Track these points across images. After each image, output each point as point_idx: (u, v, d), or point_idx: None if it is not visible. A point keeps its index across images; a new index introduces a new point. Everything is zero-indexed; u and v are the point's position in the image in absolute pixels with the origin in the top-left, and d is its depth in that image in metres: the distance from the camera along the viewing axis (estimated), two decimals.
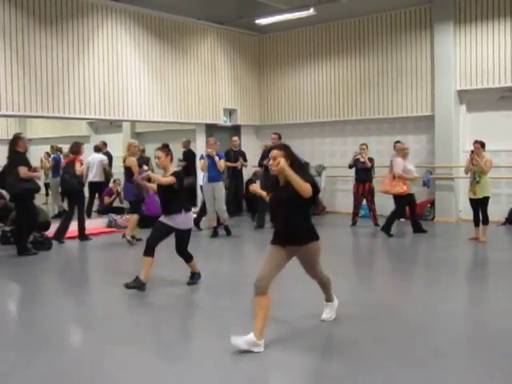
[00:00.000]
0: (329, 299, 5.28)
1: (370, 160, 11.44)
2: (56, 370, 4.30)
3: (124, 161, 10.04)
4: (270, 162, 4.56)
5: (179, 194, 6.49)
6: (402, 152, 10.63)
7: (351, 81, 13.72)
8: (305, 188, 4.40)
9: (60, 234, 10.01)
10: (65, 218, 10.25)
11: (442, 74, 12.27)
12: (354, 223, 11.68)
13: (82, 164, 10.19)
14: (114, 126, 18.29)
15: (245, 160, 12.91)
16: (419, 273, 7.92)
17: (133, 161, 9.75)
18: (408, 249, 9.92)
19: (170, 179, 6.38)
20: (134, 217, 9.89)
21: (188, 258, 6.78)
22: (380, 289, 6.97)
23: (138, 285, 6.53)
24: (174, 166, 6.98)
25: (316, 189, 4.54)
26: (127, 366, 4.37)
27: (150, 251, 6.51)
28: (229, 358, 4.39)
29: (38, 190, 9.32)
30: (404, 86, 12.91)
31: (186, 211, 6.53)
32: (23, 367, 4.38)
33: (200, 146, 13.94)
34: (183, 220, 6.50)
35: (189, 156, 13.66)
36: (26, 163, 9.00)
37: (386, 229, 10.33)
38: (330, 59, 14.08)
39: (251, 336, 4.42)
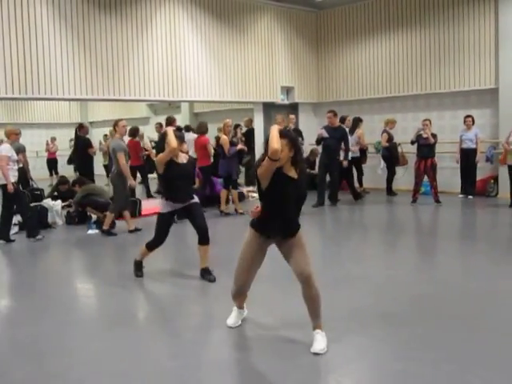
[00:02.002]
0: (317, 325, 4.14)
1: (434, 136, 11.20)
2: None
3: (218, 139, 11.02)
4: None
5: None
6: None
7: (411, 55, 13.43)
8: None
9: None
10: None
11: (507, 44, 11.84)
12: (414, 200, 11.51)
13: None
14: (172, 106, 18.62)
15: (301, 138, 12.87)
16: (483, 251, 7.75)
17: (224, 139, 10.59)
18: (469, 225, 9.77)
19: None
20: (234, 192, 10.91)
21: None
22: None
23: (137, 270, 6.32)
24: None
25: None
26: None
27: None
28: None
29: None
30: (466, 58, 12.53)
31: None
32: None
33: (258, 125, 14.03)
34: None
35: (249, 134, 13.87)
36: None
37: None
38: (388, 33, 13.81)
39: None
